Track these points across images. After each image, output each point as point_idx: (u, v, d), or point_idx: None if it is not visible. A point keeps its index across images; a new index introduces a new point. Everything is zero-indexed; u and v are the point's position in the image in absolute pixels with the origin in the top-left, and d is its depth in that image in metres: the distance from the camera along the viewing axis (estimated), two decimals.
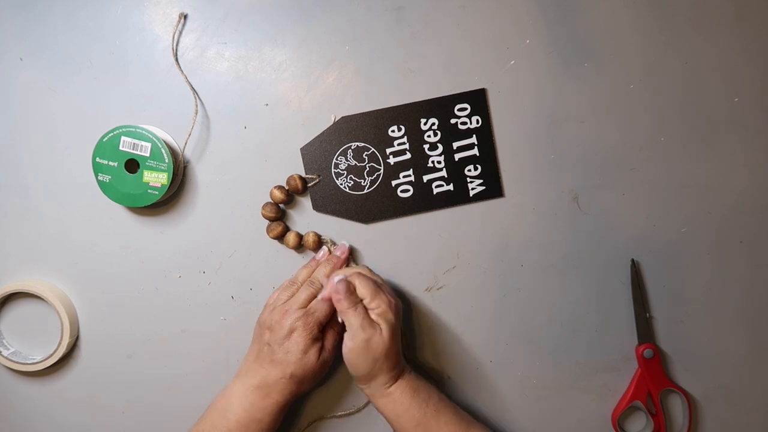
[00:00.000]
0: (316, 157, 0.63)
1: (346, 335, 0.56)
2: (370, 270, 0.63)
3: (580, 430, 0.66)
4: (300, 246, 0.63)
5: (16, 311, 0.66)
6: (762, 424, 0.66)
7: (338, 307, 0.56)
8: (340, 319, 0.58)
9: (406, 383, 0.58)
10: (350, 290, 0.56)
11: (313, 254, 0.63)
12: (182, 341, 0.65)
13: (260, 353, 0.58)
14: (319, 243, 0.63)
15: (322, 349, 0.58)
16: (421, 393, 0.58)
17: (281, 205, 0.63)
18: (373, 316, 0.56)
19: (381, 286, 0.58)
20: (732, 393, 0.66)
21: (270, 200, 0.63)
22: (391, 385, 0.57)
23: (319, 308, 0.58)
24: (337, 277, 0.57)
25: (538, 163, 0.64)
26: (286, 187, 0.62)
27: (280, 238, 0.63)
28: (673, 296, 0.65)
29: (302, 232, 0.63)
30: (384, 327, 0.55)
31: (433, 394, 0.59)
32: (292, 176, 0.62)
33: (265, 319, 0.59)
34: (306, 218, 0.64)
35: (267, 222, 0.63)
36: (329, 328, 0.59)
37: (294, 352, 0.57)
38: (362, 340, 0.55)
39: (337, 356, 0.59)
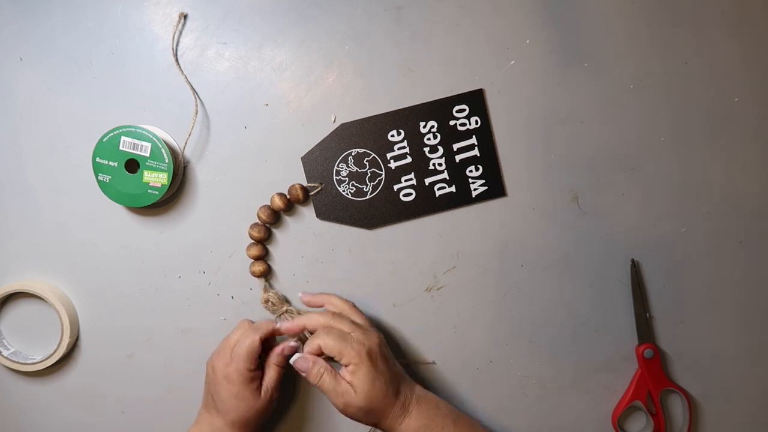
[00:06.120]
0: (317, 165, 0.63)
1: None
2: (340, 299, 0.61)
3: (580, 430, 0.66)
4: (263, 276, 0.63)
5: (16, 311, 0.66)
6: (762, 424, 0.66)
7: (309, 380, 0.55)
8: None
9: (417, 414, 0.55)
10: (310, 365, 0.55)
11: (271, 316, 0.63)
12: (182, 341, 0.65)
13: (207, 400, 0.59)
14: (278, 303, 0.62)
15: (260, 387, 0.57)
16: (437, 423, 0.56)
17: (266, 239, 0.63)
18: (346, 375, 0.54)
19: (350, 332, 0.56)
20: (732, 393, 0.66)
21: (257, 221, 0.62)
22: (402, 421, 0.55)
23: (240, 351, 0.56)
24: (295, 356, 0.56)
25: (538, 163, 0.64)
26: (288, 196, 0.62)
27: (260, 276, 0.63)
28: (673, 296, 0.65)
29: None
30: (358, 382, 0.53)
31: (448, 424, 0.56)
32: (293, 186, 0.62)
33: (208, 364, 0.59)
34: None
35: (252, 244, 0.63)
36: (269, 364, 0.58)
37: (228, 400, 0.56)
38: (341, 405, 0.54)
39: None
